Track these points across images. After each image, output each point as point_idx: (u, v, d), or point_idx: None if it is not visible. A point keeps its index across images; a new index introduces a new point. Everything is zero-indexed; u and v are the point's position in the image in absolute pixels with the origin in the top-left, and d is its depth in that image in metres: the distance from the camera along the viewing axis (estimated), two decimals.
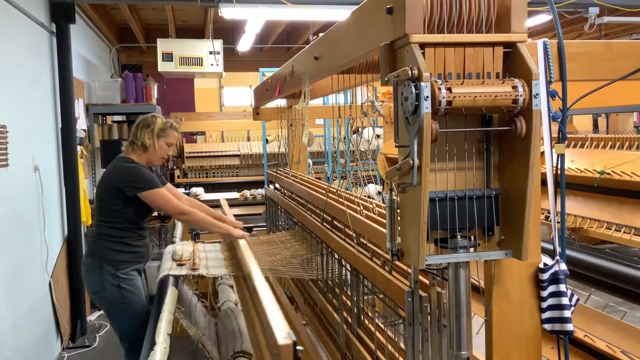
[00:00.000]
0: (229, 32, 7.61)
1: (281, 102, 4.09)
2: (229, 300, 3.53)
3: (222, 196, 6.01)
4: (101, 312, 4.91)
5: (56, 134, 4.20)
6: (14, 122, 3.16)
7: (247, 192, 5.73)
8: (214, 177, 7.25)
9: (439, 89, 1.21)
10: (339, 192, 2.48)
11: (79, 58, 5.23)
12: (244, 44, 7.14)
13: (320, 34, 2.18)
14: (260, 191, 5.76)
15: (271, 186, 4.13)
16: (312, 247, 2.77)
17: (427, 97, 1.19)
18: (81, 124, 4.97)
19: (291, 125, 4.28)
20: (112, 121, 6.25)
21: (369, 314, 2.09)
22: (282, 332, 1.38)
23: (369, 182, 6.79)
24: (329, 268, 2.48)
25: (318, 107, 5.11)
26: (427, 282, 1.57)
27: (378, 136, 6.69)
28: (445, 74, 1.28)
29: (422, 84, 1.18)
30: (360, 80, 2.16)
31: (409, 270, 1.70)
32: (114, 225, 2.73)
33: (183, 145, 7.05)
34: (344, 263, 2.23)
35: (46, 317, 3.76)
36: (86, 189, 4.76)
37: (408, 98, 1.22)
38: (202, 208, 3.03)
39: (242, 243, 2.65)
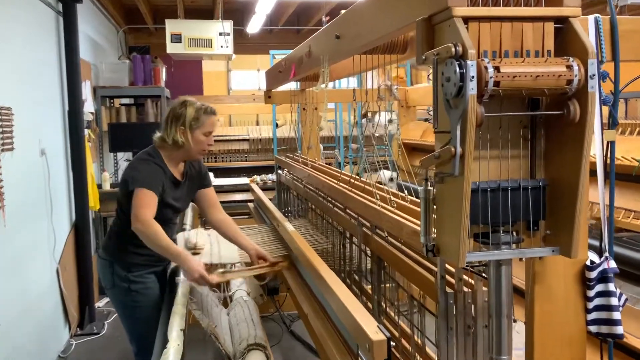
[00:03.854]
0: (238, 13, 7.45)
1: (291, 86, 3.97)
2: (240, 289, 3.45)
3: (232, 181, 5.92)
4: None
5: (63, 117, 4.10)
6: (19, 105, 3.06)
7: (257, 178, 5.62)
8: (222, 161, 7.14)
9: (485, 68, 1.09)
10: (354, 181, 2.37)
11: (86, 39, 5.11)
12: (254, 26, 6.99)
13: (341, 12, 2.04)
14: (271, 176, 5.65)
15: (284, 171, 4.01)
16: (331, 236, 2.66)
17: (473, 77, 1.07)
18: (88, 106, 4.86)
19: (304, 109, 4.16)
20: (120, 104, 6.14)
21: (393, 304, 1.99)
22: (372, 327, 1.29)
23: (379, 169, 6.68)
24: (352, 258, 2.37)
25: (330, 90, 4.97)
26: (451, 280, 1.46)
27: (390, 121, 6.55)
28: (490, 52, 1.16)
29: (468, 62, 1.06)
30: (383, 61, 2.03)
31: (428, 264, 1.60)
32: (129, 224, 2.31)
33: None
34: (368, 253, 2.12)
35: (54, 304, 3.69)
36: (94, 173, 4.66)
37: (450, 78, 1.10)
38: (230, 226, 2.65)
39: (291, 229, 2.53)
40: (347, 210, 2.36)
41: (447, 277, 1.45)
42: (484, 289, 1.38)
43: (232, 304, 3.16)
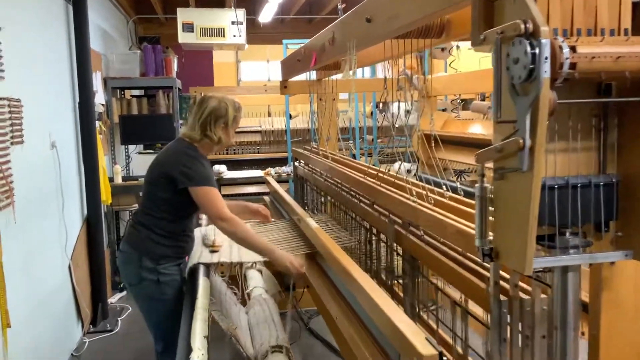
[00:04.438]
0: (249, 2, 7.29)
1: (304, 76, 3.84)
2: (258, 287, 3.33)
3: (245, 174, 5.80)
4: (122, 293, 4.76)
5: (74, 108, 3.98)
6: (28, 96, 2.94)
7: (271, 170, 5.49)
8: (234, 154, 7.02)
9: (560, 47, 0.95)
10: (382, 175, 2.24)
11: (96, 29, 4.99)
12: (266, 15, 6.83)
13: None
14: (286, 169, 5.53)
15: (298, 163, 3.88)
16: (356, 232, 2.53)
17: (547, 58, 0.93)
18: (99, 98, 4.74)
19: (320, 99, 4.03)
20: (130, 95, 6.02)
21: (428, 308, 1.85)
22: (419, 338, 1.16)
23: (398, 160, 6.53)
24: (379, 256, 2.23)
25: (344, 80, 4.81)
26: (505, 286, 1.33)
27: (408, 112, 6.39)
28: (560, 31, 1.02)
29: (542, 40, 0.92)
30: (417, 46, 1.89)
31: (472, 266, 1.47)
32: (161, 215, 2.43)
33: None
34: (399, 252, 1.99)
35: (66, 301, 3.59)
36: (105, 166, 4.55)
37: (519, 60, 0.96)
38: (245, 208, 2.92)
39: (314, 225, 2.41)
40: (375, 206, 2.22)
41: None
42: (543, 296, 1.24)
43: (251, 303, 3.04)
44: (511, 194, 1.04)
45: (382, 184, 2.12)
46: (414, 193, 1.75)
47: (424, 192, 1.77)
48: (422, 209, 1.63)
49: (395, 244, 1.99)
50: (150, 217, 2.46)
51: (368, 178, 2.27)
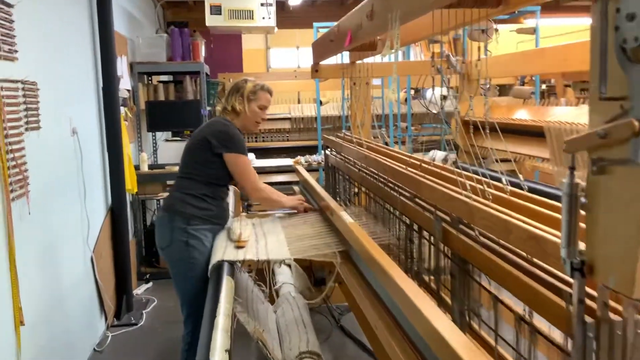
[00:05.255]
0: None
1: (333, 60, 3.61)
2: (287, 283, 3.13)
3: (275, 163, 5.61)
4: (149, 285, 4.63)
5: (97, 93, 3.82)
6: (46, 80, 2.78)
7: (301, 159, 5.28)
8: (262, 141, 6.83)
9: None
10: (426, 165, 2.00)
11: (122, 11, 4.83)
12: None
13: None
14: (316, 157, 5.31)
15: (330, 151, 3.65)
16: (394, 228, 2.30)
17: None
18: (125, 83, 4.59)
19: (354, 83, 3.79)
20: (157, 81, 5.87)
21: (484, 321, 1.62)
22: None
23: (433, 148, 6.24)
24: (421, 256, 2.00)
25: (377, 64, 4.54)
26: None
27: (445, 97, 6.08)
28: None
29: None
30: (471, 18, 1.64)
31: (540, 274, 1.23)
32: (195, 177, 2.58)
33: None
34: (447, 252, 1.75)
35: (88, 295, 3.45)
36: (131, 154, 4.40)
37: (636, 15, 0.72)
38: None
39: (348, 220, 2.20)
40: (417, 200, 1.99)
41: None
42: (638, 317, 1.00)
43: (279, 301, 2.85)
44: (616, 192, 0.80)
45: (426, 175, 1.88)
46: (468, 187, 1.51)
47: (479, 186, 1.52)
48: (480, 206, 1.39)
49: (442, 244, 1.75)
50: (184, 180, 2.61)
51: (410, 169, 2.03)
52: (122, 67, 4.53)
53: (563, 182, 0.90)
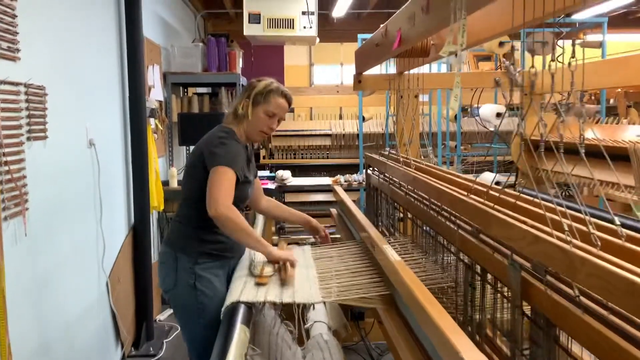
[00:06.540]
0: None
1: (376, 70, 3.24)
2: (319, 321, 2.73)
3: (312, 181, 5.25)
4: (172, 310, 4.31)
5: (121, 103, 3.55)
6: (58, 84, 2.50)
7: (341, 178, 4.89)
8: (302, 158, 6.51)
9: None
10: (493, 193, 1.59)
11: (157, 19, 4.59)
12: (340, 9, 6.26)
13: None
14: (357, 177, 4.92)
15: (372, 171, 3.26)
16: (449, 268, 1.89)
17: None
18: (156, 94, 4.33)
19: (401, 96, 3.40)
20: (193, 93, 5.62)
21: None
22: None
23: (485, 170, 5.76)
24: (485, 306, 1.58)
25: (430, 74, 4.14)
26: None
27: (499, 114, 5.61)
28: None
29: None
30: (553, 9, 1.24)
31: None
32: (198, 202, 2.05)
33: None
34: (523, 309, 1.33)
35: (102, 324, 3.13)
36: (159, 169, 4.12)
37: None
38: (278, 207, 2.67)
39: (394, 257, 1.82)
40: (482, 236, 1.58)
41: None
42: None
43: (309, 345, 2.45)
44: None
45: (495, 206, 1.47)
46: (566, 227, 1.09)
47: (578, 225, 1.11)
48: (587, 257, 0.97)
49: (520, 298, 1.33)
50: (186, 208, 2.21)
51: (473, 196, 1.62)
52: (153, 76, 4.28)
53: None
